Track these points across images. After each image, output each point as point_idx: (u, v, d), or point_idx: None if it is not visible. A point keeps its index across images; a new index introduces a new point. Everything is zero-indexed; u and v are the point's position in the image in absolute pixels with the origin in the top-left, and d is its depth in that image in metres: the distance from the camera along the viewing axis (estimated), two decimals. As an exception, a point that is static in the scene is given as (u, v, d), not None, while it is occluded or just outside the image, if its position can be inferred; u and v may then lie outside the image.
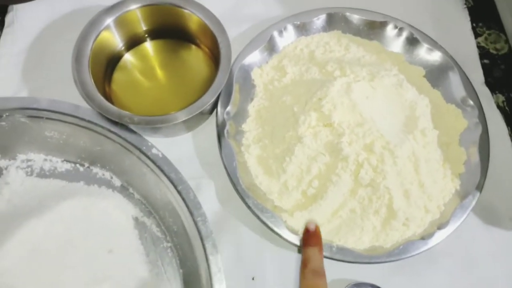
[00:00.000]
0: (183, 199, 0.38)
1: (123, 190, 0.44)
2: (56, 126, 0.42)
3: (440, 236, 0.42)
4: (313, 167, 0.42)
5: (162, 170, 0.39)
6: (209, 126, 0.47)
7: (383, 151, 0.40)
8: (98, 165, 0.45)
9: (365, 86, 0.43)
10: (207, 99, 0.41)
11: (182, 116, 0.40)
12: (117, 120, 0.40)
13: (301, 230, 0.41)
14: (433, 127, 0.44)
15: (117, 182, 0.45)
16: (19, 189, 0.43)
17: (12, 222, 0.39)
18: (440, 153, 0.44)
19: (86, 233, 0.40)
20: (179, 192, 0.39)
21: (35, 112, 0.41)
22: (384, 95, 0.43)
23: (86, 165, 0.45)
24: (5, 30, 0.52)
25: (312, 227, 0.40)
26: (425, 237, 0.42)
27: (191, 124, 0.46)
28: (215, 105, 0.46)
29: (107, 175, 0.45)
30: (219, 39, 0.43)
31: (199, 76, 0.47)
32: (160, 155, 0.40)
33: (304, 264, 0.38)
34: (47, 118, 0.41)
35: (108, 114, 0.40)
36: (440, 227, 0.42)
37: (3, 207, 0.41)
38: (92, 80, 0.41)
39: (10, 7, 0.53)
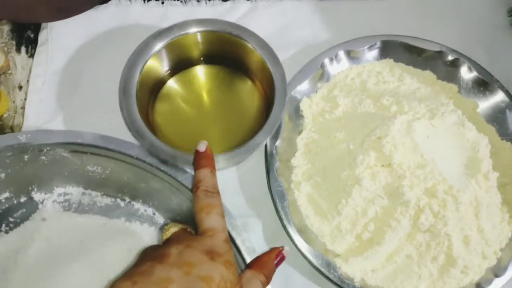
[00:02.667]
0: (232, 240, 0.36)
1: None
2: (100, 161, 0.39)
3: (497, 283, 0.40)
4: (369, 210, 0.40)
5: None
6: (254, 158, 0.45)
7: (445, 196, 0.38)
8: (140, 200, 0.42)
9: (426, 124, 0.40)
10: (263, 138, 0.39)
11: (236, 156, 0.38)
12: (169, 160, 0.37)
13: (356, 278, 0.39)
14: (492, 169, 0.42)
15: (160, 219, 0.42)
16: (58, 227, 0.40)
17: (55, 264, 0.37)
18: (499, 196, 0.42)
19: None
20: (232, 238, 0.37)
21: (79, 147, 0.38)
22: (445, 135, 0.41)
23: (127, 200, 0.43)
24: (38, 49, 0.49)
25: (202, 148, 0.37)
26: (482, 284, 0.40)
27: (234, 160, 0.44)
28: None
29: (150, 211, 0.42)
30: (273, 71, 0.41)
31: (248, 108, 0.45)
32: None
33: (196, 187, 0.35)
34: (91, 153, 0.39)
35: (159, 154, 0.37)
36: (497, 274, 0.41)
37: (43, 247, 0.38)
38: (141, 116, 0.38)
39: (43, 25, 0.50)
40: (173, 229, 0.38)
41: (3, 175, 0.39)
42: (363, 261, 0.40)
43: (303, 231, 0.41)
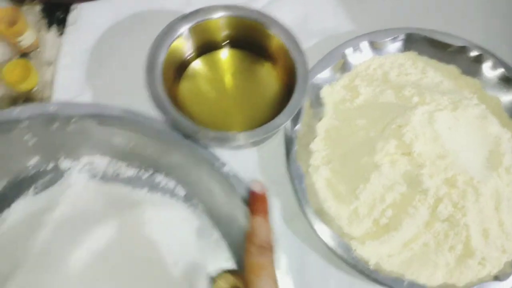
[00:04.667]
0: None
1: (187, 200, 0.43)
2: (125, 134, 0.40)
3: (516, 277, 0.40)
4: (388, 197, 0.40)
5: (233, 189, 0.38)
6: (275, 141, 0.46)
7: (465, 187, 0.38)
8: (163, 173, 0.43)
9: (448, 116, 0.41)
10: (283, 120, 0.39)
11: (257, 135, 0.39)
12: (191, 135, 0.38)
13: (371, 261, 0.40)
14: (514, 163, 0.42)
15: (181, 191, 0.43)
16: (83, 193, 0.42)
17: (80, 226, 0.38)
18: (520, 191, 0.42)
19: (153, 244, 0.39)
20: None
21: (105, 119, 0.39)
22: (466, 127, 0.41)
23: (150, 172, 0.43)
24: (68, 29, 0.51)
25: (257, 188, 0.35)
26: (500, 277, 0.40)
27: (258, 141, 0.45)
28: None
29: (171, 184, 0.43)
30: (295, 58, 0.42)
31: (268, 93, 0.46)
32: (232, 174, 0.38)
33: (248, 239, 0.33)
34: (116, 126, 0.40)
35: (182, 129, 0.38)
36: (516, 268, 0.40)
37: (69, 210, 0.40)
38: (165, 93, 0.40)
39: (73, 6, 0.52)
40: (223, 286, 0.38)
41: (32, 141, 0.40)
42: (379, 245, 0.40)
43: (320, 213, 0.41)
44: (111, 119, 0.39)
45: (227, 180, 0.38)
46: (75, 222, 0.39)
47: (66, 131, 0.40)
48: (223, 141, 0.40)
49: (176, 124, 0.39)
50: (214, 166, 0.38)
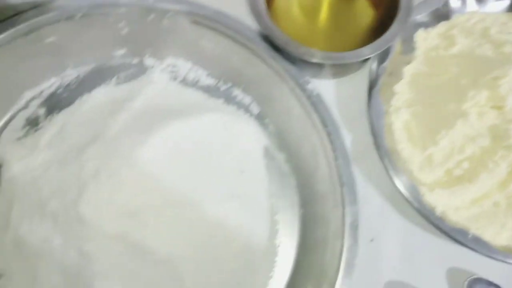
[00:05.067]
0: (331, 142, 0.37)
1: (260, 118, 0.43)
2: (216, 37, 0.41)
3: None
4: (468, 148, 0.39)
5: (314, 107, 0.38)
6: (356, 78, 0.45)
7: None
8: (241, 87, 0.44)
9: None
10: (369, 52, 0.39)
11: (368, 52, 0.38)
12: (282, 47, 0.38)
13: (438, 209, 0.39)
14: None
15: (255, 109, 0.44)
16: (162, 91, 0.43)
17: (157, 119, 0.39)
18: None
19: (223, 148, 0.40)
20: (328, 134, 0.37)
21: (200, 18, 0.40)
22: None
23: (229, 84, 0.44)
24: None
25: None
26: None
27: (338, 71, 0.44)
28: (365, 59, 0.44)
29: (247, 100, 0.44)
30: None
31: (361, 25, 0.45)
32: (316, 92, 0.38)
33: None
34: (209, 27, 0.40)
35: (274, 39, 0.38)
36: None
37: (147, 103, 0.41)
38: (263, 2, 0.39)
39: None
40: None
41: (125, 30, 0.42)
42: (449, 196, 0.39)
43: (392, 154, 0.40)
44: (204, 19, 0.40)
45: (310, 99, 0.38)
46: (153, 114, 0.40)
47: (159, 25, 0.41)
48: (321, 59, 0.39)
49: (269, 33, 0.38)
50: (299, 82, 0.38)
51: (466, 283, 0.39)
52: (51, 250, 0.34)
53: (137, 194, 0.34)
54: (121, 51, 0.43)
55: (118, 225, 0.33)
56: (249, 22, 0.40)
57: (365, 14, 0.45)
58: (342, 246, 0.35)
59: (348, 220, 0.35)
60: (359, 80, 0.44)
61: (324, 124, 0.37)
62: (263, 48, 0.39)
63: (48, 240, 0.34)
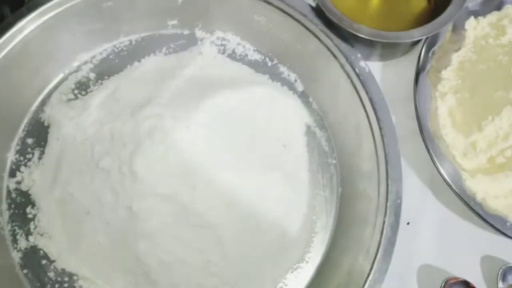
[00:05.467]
0: (378, 119, 0.37)
1: (303, 96, 0.44)
2: (270, 11, 0.41)
3: None
4: (512, 136, 0.39)
5: (364, 85, 0.38)
6: (403, 62, 0.45)
7: None
8: (287, 64, 0.44)
9: None
10: (419, 34, 0.39)
11: (423, 33, 0.38)
12: (336, 23, 0.38)
13: (479, 195, 0.39)
14: None
15: (300, 86, 0.44)
16: (212, 62, 0.44)
17: (207, 87, 0.40)
18: None
19: (268, 121, 0.41)
20: (375, 111, 0.37)
21: (256, -9, 0.41)
22: None
23: (275, 61, 0.45)
24: None
25: None
26: None
27: (388, 52, 0.44)
28: (416, 42, 0.44)
29: (292, 77, 0.44)
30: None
31: (414, 7, 0.45)
32: (367, 70, 0.38)
33: None
34: (265, 1, 0.41)
35: (330, 14, 0.39)
36: None
37: (197, 73, 0.42)
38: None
39: None
40: None
41: (180, 0, 0.42)
42: (490, 183, 0.39)
43: (436, 138, 0.41)
44: (259, -8, 0.40)
45: (361, 76, 0.38)
46: (203, 83, 0.41)
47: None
48: (365, 35, 0.39)
49: (324, 8, 0.39)
50: (351, 59, 0.39)
51: (500, 271, 0.39)
52: (100, 207, 0.36)
53: (189, 155, 0.35)
54: (173, 21, 0.44)
55: (169, 185, 0.34)
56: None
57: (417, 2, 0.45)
58: (384, 223, 0.35)
59: (391, 197, 0.35)
60: (406, 65, 0.45)
61: (373, 102, 0.38)
62: (316, 24, 0.40)
63: (98, 197, 0.36)
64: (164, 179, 0.34)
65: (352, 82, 0.39)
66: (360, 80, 0.38)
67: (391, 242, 0.35)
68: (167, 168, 0.34)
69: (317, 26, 0.39)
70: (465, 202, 0.39)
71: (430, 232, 0.41)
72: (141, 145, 0.34)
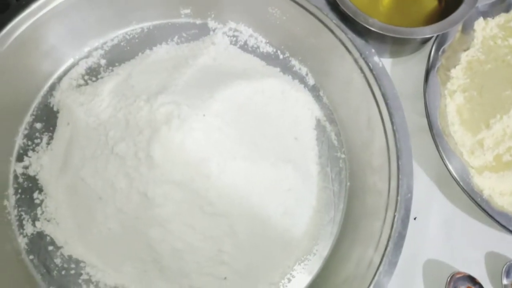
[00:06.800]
0: (390, 114, 0.38)
1: (314, 90, 0.44)
2: (284, 4, 0.41)
3: None
4: (520, 135, 0.39)
5: (376, 80, 0.38)
6: (413, 59, 0.46)
7: None
8: (299, 58, 0.44)
9: None
10: (430, 31, 0.39)
11: (429, 31, 0.39)
12: (350, 16, 0.39)
13: (485, 192, 0.39)
14: None
15: (311, 80, 0.44)
16: (224, 52, 0.44)
17: (221, 77, 0.40)
18: None
19: (279, 114, 0.41)
20: (387, 106, 0.38)
21: (272, -17, 0.41)
22: None
23: (287, 54, 0.45)
24: None
25: None
26: None
27: (398, 49, 0.45)
28: (425, 41, 0.44)
29: (304, 71, 0.45)
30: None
31: (424, 11, 0.45)
32: (381, 65, 0.39)
33: None
34: (281, -7, 0.41)
35: (345, 7, 0.39)
36: None
37: (210, 62, 0.42)
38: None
39: None
40: None
41: (194, -11, 0.43)
42: (496, 180, 0.40)
43: (445, 135, 0.41)
44: (278, -16, 0.41)
45: (374, 70, 0.39)
46: (216, 72, 0.41)
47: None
48: (387, 32, 0.39)
49: (339, 1, 0.39)
50: (365, 54, 0.39)
51: (504, 267, 0.40)
52: (113, 193, 0.35)
53: (204, 144, 0.34)
54: (186, 10, 0.44)
55: (185, 172, 0.34)
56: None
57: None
58: (394, 217, 0.35)
59: (402, 192, 0.36)
60: (414, 62, 0.46)
61: (386, 97, 0.38)
62: (331, 18, 0.40)
63: (111, 183, 0.35)
64: (180, 166, 0.34)
65: (365, 76, 0.39)
66: (373, 75, 0.39)
67: (401, 236, 0.35)
68: (183, 155, 0.34)
69: (332, 20, 0.40)
70: (472, 198, 0.39)
71: (436, 227, 0.42)
72: (158, 132, 0.34)
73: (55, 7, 0.40)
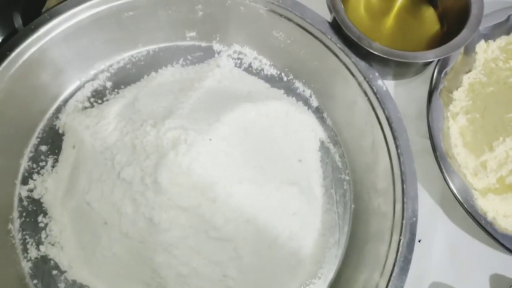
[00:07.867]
0: (394, 137, 0.38)
1: (318, 112, 0.45)
2: (288, 28, 0.42)
3: None
4: (523, 157, 0.40)
5: (380, 103, 0.39)
6: (415, 82, 0.47)
7: None
8: (303, 80, 0.45)
9: None
10: (433, 55, 0.40)
11: (432, 55, 0.39)
12: (354, 40, 0.39)
13: (489, 214, 0.40)
14: None
15: (314, 102, 0.45)
16: (229, 75, 0.44)
17: (226, 100, 0.40)
18: None
19: (283, 136, 0.41)
20: (392, 129, 0.38)
21: (276, 8, 0.41)
22: None
23: (291, 76, 0.45)
24: None
25: None
26: None
27: (400, 71, 0.45)
28: (428, 64, 0.45)
29: (307, 93, 0.45)
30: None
31: (426, 32, 0.46)
32: (384, 88, 0.39)
33: None
34: (285, 17, 0.41)
35: (348, 31, 0.39)
36: None
37: (215, 85, 0.42)
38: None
39: None
40: None
41: (201, 13, 0.43)
42: (500, 202, 0.40)
43: (448, 157, 0.41)
44: (282, 8, 0.41)
45: (378, 94, 0.39)
46: (222, 95, 0.42)
47: (236, 11, 0.42)
48: (391, 56, 0.40)
49: (344, 26, 0.40)
50: (369, 77, 0.39)
51: (509, 290, 0.40)
52: (119, 218, 0.35)
53: (211, 168, 0.35)
54: (191, 33, 0.45)
55: (191, 197, 0.34)
56: (323, 15, 0.41)
57: (432, 21, 0.46)
58: (399, 241, 0.35)
59: (407, 215, 0.36)
60: (417, 84, 0.46)
61: (390, 120, 0.38)
62: (335, 41, 0.40)
63: (118, 208, 0.35)
64: (186, 191, 0.34)
65: (369, 100, 0.40)
66: (377, 98, 0.39)
67: (407, 260, 0.35)
68: (190, 180, 0.34)
69: (336, 43, 0.40)
70: (476, 220, 0.39)
71: (441, 250, 0.42)
72: (165, 157, 0.34)
73: (63, 31, 0.40)
